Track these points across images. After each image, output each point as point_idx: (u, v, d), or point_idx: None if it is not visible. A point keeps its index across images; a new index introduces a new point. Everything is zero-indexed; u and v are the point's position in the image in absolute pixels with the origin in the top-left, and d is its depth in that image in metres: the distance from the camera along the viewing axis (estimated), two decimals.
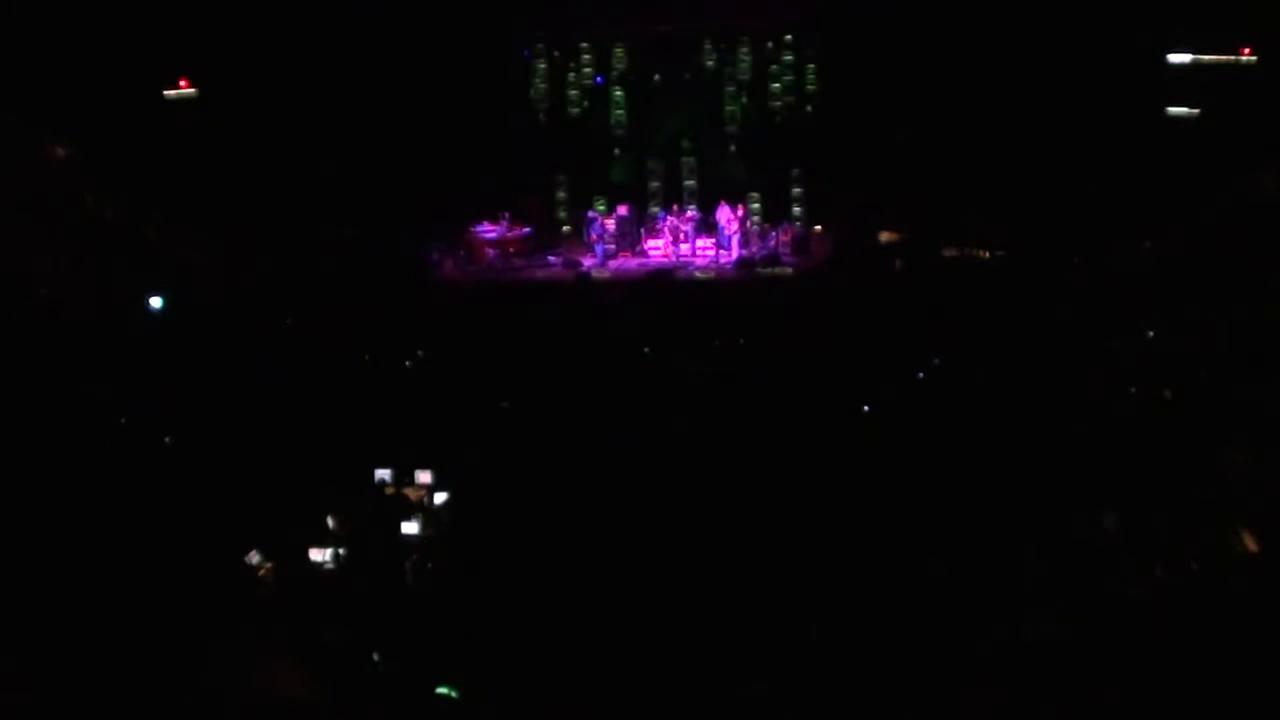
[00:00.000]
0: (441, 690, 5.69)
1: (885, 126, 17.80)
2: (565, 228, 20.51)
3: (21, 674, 5.43)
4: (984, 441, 9.29)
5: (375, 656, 6.27)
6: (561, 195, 20.60)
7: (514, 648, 6.33)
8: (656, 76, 19.93)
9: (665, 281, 18.12)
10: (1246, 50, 16.64)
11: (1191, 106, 16.78)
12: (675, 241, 19.16)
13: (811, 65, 19.64)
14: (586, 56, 20.02)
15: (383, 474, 9.02)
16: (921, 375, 12.19)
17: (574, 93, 20.19)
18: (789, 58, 19.62)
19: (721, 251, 18.95)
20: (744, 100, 19.92)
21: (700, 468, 8.83)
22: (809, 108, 19.66)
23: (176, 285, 15.26)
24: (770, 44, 19.61)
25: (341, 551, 7.99)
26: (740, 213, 19.40)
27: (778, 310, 15.96)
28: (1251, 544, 7.14)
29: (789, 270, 18.23)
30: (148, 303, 14.78)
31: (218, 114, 17.55)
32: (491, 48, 19.47)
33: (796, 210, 19.74)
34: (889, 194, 17.94)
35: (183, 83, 17.94)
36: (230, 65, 17.49)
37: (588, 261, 18.91)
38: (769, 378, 11.85)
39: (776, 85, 19.75)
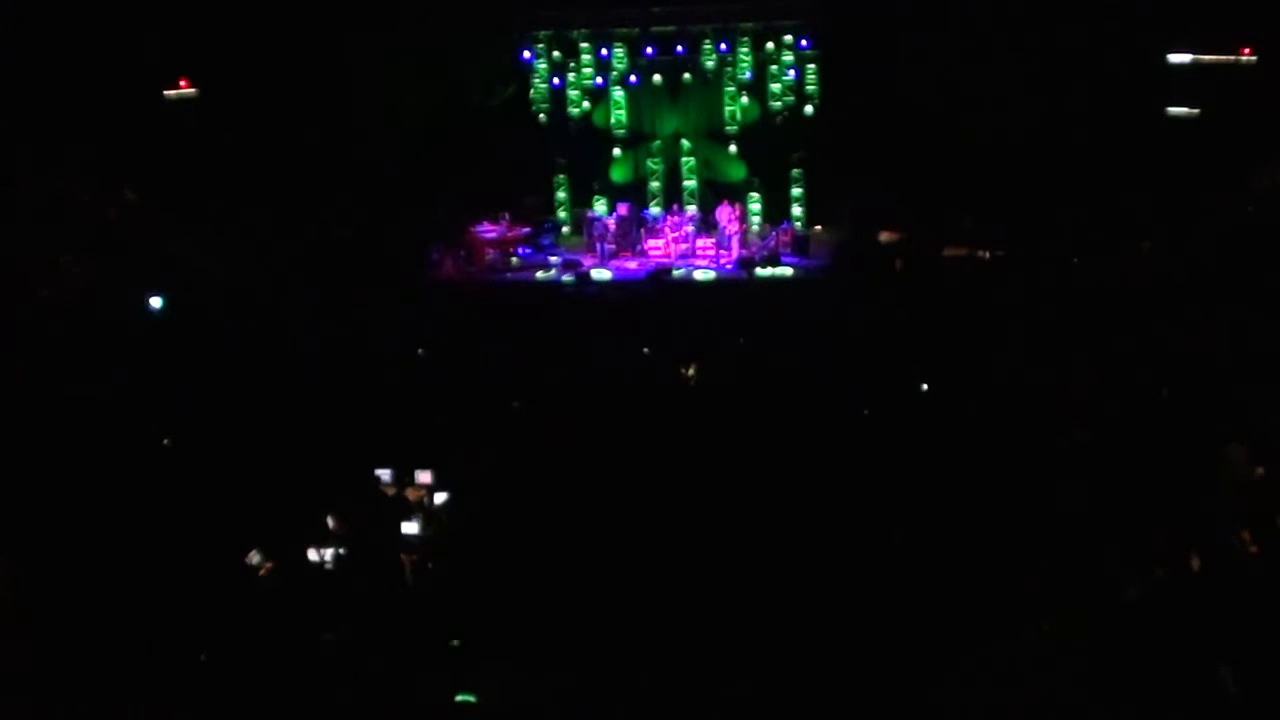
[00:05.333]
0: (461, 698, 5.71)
1: (885, 126, 17.78)
2: (565, 228, 20.51)
3: (21, 672, 5.43)
4: (983, 442, 9.30)
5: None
6: (561, 195, 20.60)
7: (513, 647, 6.34)
8: (656, 77, 19.92)
9: (665, 281, 18.12)
10: (1246, 50, 16.62)
11: (1191, 106, 16.77)
12: (675, 241, 19.16)
13: (812, 65, 19.62)
14: (586, 57, 20.00)
15: (383, 474, 9.04)
16: (923, 379, 12.18)
17: (574, 93, 20.17)
18: (789, 58, 19.61)
19: (721, 251, 18.95)
20: (744, 100, 19.89)
21: (698, 468, 8.83)
22: (809, 108, 19.65)
23: (176, 285, 15.26)
24: (770, 44, 19.59)
25: (341, 551, 8.00)
26: (740, 213, 19.40)
27: (777, 311, 15.95)
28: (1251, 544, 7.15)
29: (789, 271, 18.23)
30: (148, 303, 14.78)
31: (218, 114, 17.54)
32: (491, 47, 19.47)
33: (796, 210, 19.73)
34: (889, 194, 17.91)
35: (183, 83, 17.93)
36: (230, 65, 17.49)
37: (588, 261, 18.91)
38: (768, 378, 11.85)
39: (776, 86, 19.73)
